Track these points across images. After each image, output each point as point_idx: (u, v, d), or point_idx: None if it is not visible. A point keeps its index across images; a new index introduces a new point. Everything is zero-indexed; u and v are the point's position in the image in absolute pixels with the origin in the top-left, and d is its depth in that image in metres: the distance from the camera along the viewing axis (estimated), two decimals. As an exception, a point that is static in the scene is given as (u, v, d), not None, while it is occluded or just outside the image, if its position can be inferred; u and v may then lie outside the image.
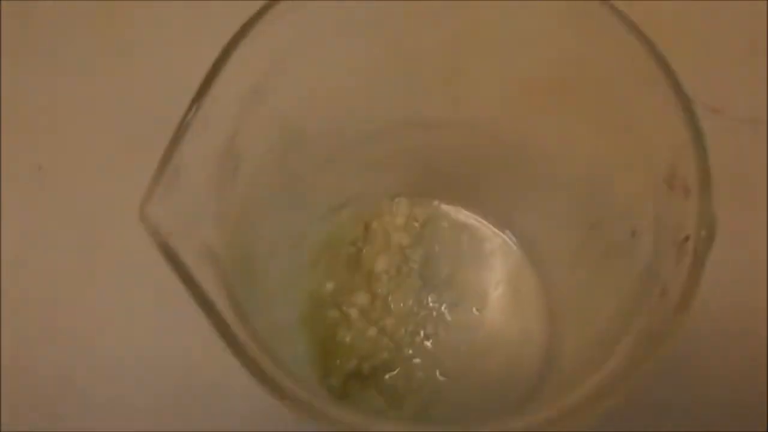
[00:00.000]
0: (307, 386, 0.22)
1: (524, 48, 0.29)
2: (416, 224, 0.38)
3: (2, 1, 0.46)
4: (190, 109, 0.22)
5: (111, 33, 0.46)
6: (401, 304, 0.36)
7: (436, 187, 0.38)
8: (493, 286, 0.37)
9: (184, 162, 0.22)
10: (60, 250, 0.40)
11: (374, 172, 0.36)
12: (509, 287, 0.37)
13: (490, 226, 0.38)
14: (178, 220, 0.22)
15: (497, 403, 0.34)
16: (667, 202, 0.24)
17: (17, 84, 0.44)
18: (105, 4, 0.47)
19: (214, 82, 0.23)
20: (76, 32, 0.46)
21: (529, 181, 0.34)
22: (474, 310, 0.36)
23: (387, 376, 0.35)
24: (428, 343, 0.36)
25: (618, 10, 0.25)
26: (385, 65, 0.30)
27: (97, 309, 0.38)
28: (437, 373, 0.35)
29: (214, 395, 0.36)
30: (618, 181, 0.28)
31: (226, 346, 0.21)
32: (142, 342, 0.37)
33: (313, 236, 0.37)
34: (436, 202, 0.39)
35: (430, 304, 0.37)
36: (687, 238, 0.22)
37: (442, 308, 0.36)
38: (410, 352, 0.35)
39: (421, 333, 0.36)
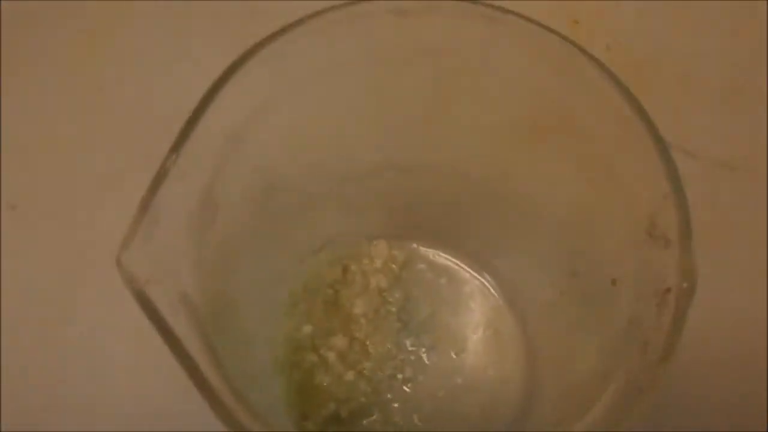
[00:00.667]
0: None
1: (504, 93, 0.29)
2: (395, 267, 0.38)
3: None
4: (168, 156, 0.22)
5: (87, 69, 0.46)
6: (379, 348, 0.36)
7: (415, 229, 0.38)
8: (472, 329, 0.37)
9: (162, 209, 0.22)
10: (36, 292, 0.39)
11: (353, 214, 0.36)
12: (488, 330, 0.37)
13: (469, 269, 0.38)
14: (155, 267, 0.22)
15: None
16: (647, 252, 0.24)
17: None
18: (82, 40, 0.47)
19: (192, 130, 0.23)
20: (52, 66, 0.46)
21: (509, 224, 0.34)
22: (452, 353, 0.36)
23: (365, 421, 0.34)
24: (407, 388, 0.35)
25: (596, 59, 0.26)
26: (364, 109, 0.30)
27: (74, 351, 0.38)
28: (415, 418, 0.35)
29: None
30: (598, 228, 0.28)
31: (199, 393, 0.21)
32: (121, 385, 0.37)
33: (292, 279, 0.36)
34: (414, 245, 0.38)
35: (409, 348, 0.36)
36: (668, 290, 0.22)
37: (421, 352, 0.36)
38: (388, 396, 0.35)
39: (400, 377, 0.36)
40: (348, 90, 0.29)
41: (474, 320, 0.37)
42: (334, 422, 0.34)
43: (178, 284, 0.23)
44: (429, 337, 0.36)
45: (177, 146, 0.22)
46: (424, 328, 0.37)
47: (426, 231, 0.38)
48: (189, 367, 0.21)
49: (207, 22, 0.48)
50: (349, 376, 0.35)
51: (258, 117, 0.26)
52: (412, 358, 0.36)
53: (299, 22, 0.25)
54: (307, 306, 0.37)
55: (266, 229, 0.31)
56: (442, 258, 0.38)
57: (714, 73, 0.46)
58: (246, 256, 0.30)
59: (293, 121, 0.28)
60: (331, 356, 0.35)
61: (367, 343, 0.36)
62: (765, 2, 0.49)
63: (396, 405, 0.35)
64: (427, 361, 0.36)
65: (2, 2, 0.48)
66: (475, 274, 0.38)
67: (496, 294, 0.37)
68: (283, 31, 0.25)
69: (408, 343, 0.36)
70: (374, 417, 0.35)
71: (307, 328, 0.36)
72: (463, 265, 0.38)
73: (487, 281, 0.37)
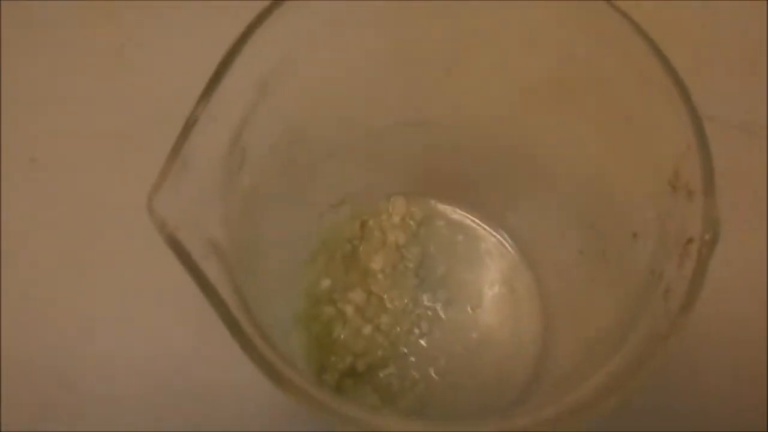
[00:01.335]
0: (308, 378, 0.22)
1: (526, 49, 0.29)
2: (412, 223, 0.38)
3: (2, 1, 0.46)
4: (198, 103, 0.22)
5: (110, 26, 0.46)
6: (396, 303, 0.36)
7: (433, 186, 0.38)
8: (488, 285, 0.37)
9: (193, 155, 0.22)
10: (55, 244, 0.39)
11: (373, 170, 0.36)
12: (504, 287, 0.37)
13: (486, 226, 0.38)
14: (186, 213, 0.22)
15: (492, 401, 0.34)
16: (669, 203, 0.24)
17: (11, 76, 0.44)
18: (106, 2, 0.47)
19: (223, 77, 0.23)
20: (74, 24, 0.46)
21: (527, 181, 0.35)
22: (468, 309, 0.37)
23: (381, 374, 0.35)
24: (423, 342, 0.36)
25: (621, 11, 0.26)
26: (387, 65, 0.30)
27: (93, 305, 0.38)
28: (431, 371, 0.35)
29: (211, 394, 0.36)
30: (619, 182, 0.28)
31: (232, 337, 0.21)
32: (139, 339, 0.37)
33: (311, 234, 0.37)
34: (432, 202, 0.39)
35: (425, 303, 0.37)
36: (690, 241, 0.22)
37: (437, 307, 0.37)
38: (405, 350, 0.36)
39: (416, 331, 0.36)
40: (372, 46, 0.29)
41: (490, 277, 0.37)
42: (351, 375, 0.35)
43: (206, 230, 0.23)
44: (445, 293, 0.37)
45: (207, 94, 0.23)
46: (440, 283, 0.37)
47: (444, 188, 0.38)
48: (222, 310, 0.21)
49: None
50: (367, 330, 0.36)
51: (285, 68, 0.26)
52: (429, 313, 0.36)
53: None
54: (325, 260, 0.37)
55: (289, 181, 0.31)
56: (460, 215, 0.39)
57: (733, 35, 0.46)
58: (269, 207, 0.30)
59: (317, 74, 0.28)
60: (349, 310, 0.36)
61: (385, 297, 0.36)
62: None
63: (412, 359, 0.36)
64: (443, 316, 0.36)
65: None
66: (492, 232, 0.38)
67: (512, 251, 0.38)
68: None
69: (425, 298, 0.37)
70: (390, 370, 0.35)
71: (326, 282, 0.36)
72: (480, 222, 0.38)
73: (504, 239, 0.38)
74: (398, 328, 0.36)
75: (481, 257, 0.38)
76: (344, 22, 0.27)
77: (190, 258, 0.21)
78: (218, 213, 0.24)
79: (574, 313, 0.33)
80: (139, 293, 0.37)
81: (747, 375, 0.37)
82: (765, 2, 0.47)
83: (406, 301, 0.37)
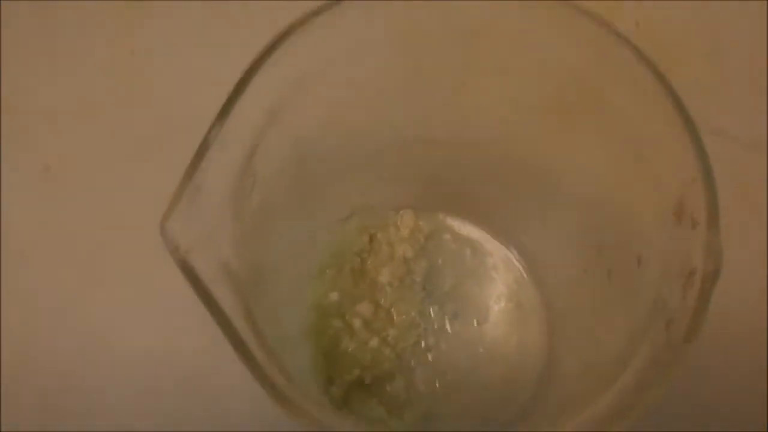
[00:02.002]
0: (311, 396, 0.22)
1: (534, 72, 0.29)
2: (421, 236, 0.39)
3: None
4: (211, 128, 0.23)
5: (124, 33, 0.47)
6: (404, 316, 0.37)
7: (442, 200, 0.39)
8: (495, 300, 0.37)
9: (205, 180, 0.23)
10: (65, 252, 0.40)
11: (381, 185, 0.37)
12: (511, 302, 0.37)
13: (494, 241, 0.38)
14: (198, 237, 0.22)
15: (495, 415, 0.35)
16: (673, 233, 0.24)
17: (21, 82, 0.45)
18: (120, 6, 0.47)
19: (235, 104, 0.23)
20: (88, 29, 0.47)
21: (535, 199, 0.35)
22: (475, 323, 0.37)
23: (388, 387, 0.35)
24: (429, 355, 0.36)
25: (626, 39, 0.26)
26: (395, 85, 0.31)
27: (102, 312, 0.39)
28: (437, 384, 0.36)
29: (217, 396, 0.36)
30: (625, 207, 0.29)
31: (240, 359, 0.22)
32: (146, 345, 0.37)
33: (320, 247, 0.37)
34: (441, 215, 0.39)
35: (432, 316, 0.37)
36: (693, 272, 0.22)
37: (444, 320, 0.37)
38: (411, 363, 0.36)
39: (423, 344, 0.36)
40: (381, 67, 0.29)
41: (497, 292, 0.38)
42: (358, 387, 0.35)
43: (218, 253, 0.23)
44: (452, 307, 0.37)
45: (220, 119, 0.23)
46: (447, 297, 0.38)
47: (452, 203, 0.39)
48: (232, 335, 0.21)
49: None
50: (374, 342, 0.36)
51: (295, 93, 0.27)
52: (436, 326, 0.37)
53: (335, 2, 0.26)
54: (334, 274, 0.37)
55: (298, 197, 0.32)
56: (468, 229, 0.39)
57: (743, 52, 0.46)
58: (278, 223, 0.30)
59: (327, 96, 0.29)
60: (357, 323, 0.36)
61: (392, 310, 0.37)
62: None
63: (419, 372, 0.36)
64: (449, 330, 0.37)
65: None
66: (500, 245, 0.38)
67: (519, 267, 0.38)
68: (319, 10, 0.25)
69: (432, 311, 0.37)
70: (397, 383, 0.36)
71: (334, 295, 0.37)
72: (488, 237, 0.39)
73: (512, 254, 0.38)
74: (405, 341, 0.36)
75: (488, 272, 0.38)
76: (352, 48, 0.28)
77: (201, 282, 0.22)
78: (229, 235, 0.24)
79: (580, 332, 0.33)
80: (148, 299, 0.38)
81: (747, 375, 0.37)
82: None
83: (413, 314, 0.37)
